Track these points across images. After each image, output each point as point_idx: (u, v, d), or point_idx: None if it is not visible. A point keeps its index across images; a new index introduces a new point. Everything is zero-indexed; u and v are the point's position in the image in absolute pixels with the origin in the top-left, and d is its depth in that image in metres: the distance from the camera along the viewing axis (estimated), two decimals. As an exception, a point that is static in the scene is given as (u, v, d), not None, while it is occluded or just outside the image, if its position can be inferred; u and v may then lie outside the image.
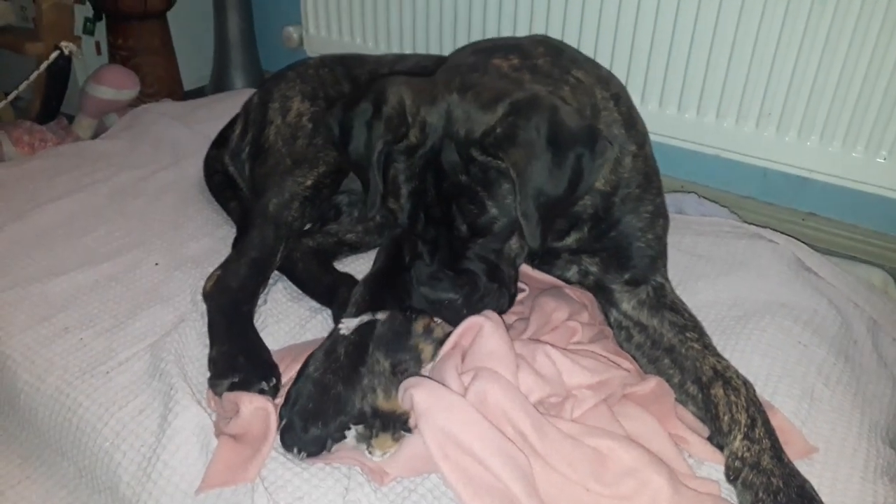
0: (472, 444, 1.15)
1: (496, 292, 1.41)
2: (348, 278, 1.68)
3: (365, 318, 1.38)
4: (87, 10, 2.97)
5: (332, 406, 1.28)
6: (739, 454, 1.27)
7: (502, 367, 1.28)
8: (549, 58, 1.46)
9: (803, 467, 1.27)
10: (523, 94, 1.29)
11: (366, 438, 1.23)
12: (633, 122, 1.55)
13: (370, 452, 1.22)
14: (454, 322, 1.39)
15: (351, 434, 1.26)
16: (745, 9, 2.03)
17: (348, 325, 1.35)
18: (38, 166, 2.25)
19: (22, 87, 2.69)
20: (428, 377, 1.29)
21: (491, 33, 2.49)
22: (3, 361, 1.52)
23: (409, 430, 1.23)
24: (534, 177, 1.24)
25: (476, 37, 2.52)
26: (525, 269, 1.66)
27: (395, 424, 1.23)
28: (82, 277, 1.73)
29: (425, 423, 1.18)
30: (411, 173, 1.31)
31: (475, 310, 1.38)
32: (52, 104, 2.78)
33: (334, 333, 1.41)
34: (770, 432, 1.29)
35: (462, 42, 2.55)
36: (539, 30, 2.38)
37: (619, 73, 2.20)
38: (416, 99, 1.32)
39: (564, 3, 2.31)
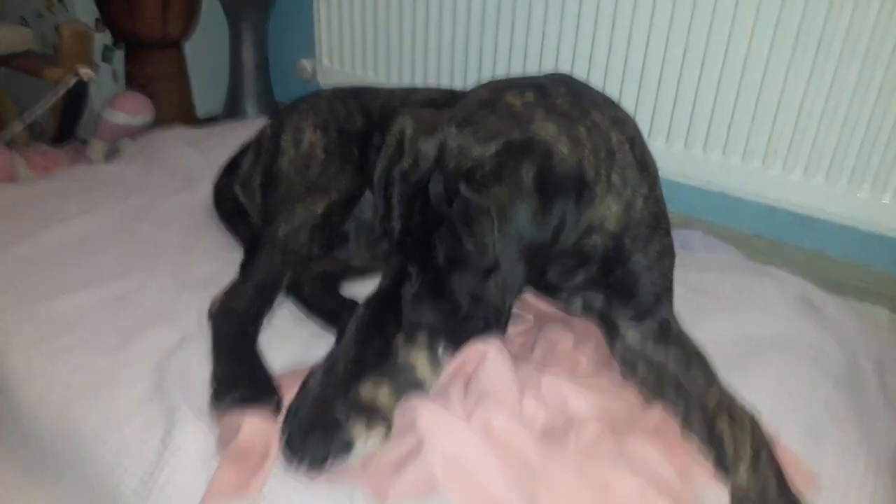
0: (477, 469, 1.15)
1: (479, 320, 1.40)
2: (352, 303, 1.68)
3: None
4: (106, 38, 3.03)
5: (332, 418, 1.29)
6: (744, 486, 1.26)
7: (506, 393, 1.28)
8: (569, 98, 1.46)
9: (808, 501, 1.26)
10: (520, 135, 1.30)
11: None
12: (646, 165, 1.56)
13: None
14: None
15: None
16: (753, 48, 2.07)
17: None
18: (50, 188, 2.27)
19: (39, 110, 2.73)
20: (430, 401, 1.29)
21: (501, 68, 2.54)
22: (4, 379, 1.53)
23: (386, 420, 1.27)
24: (516, 218, 1.25)
25: (486, 70, 2.56)
26: (530, 299, 1.67)
27: (372, 415, 1.28)
28: (89, 297, 1.73)
29: (430, 446, 1.17)
30: (402, 198, 1.35)
31: (456, 334, 1.39)
32: (68, 127, 2.82)
33: (334, 352, 1.43)
34: (775, 465, 1.28)
35: (472, 75, 2.60)
36: (549, 64, 2.42)
37: (627, 108, 2.22)
38: (416, 129, 1.36)
39: (574, 39, 2.36)
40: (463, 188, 1.27)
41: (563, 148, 1.34)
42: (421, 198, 1.32)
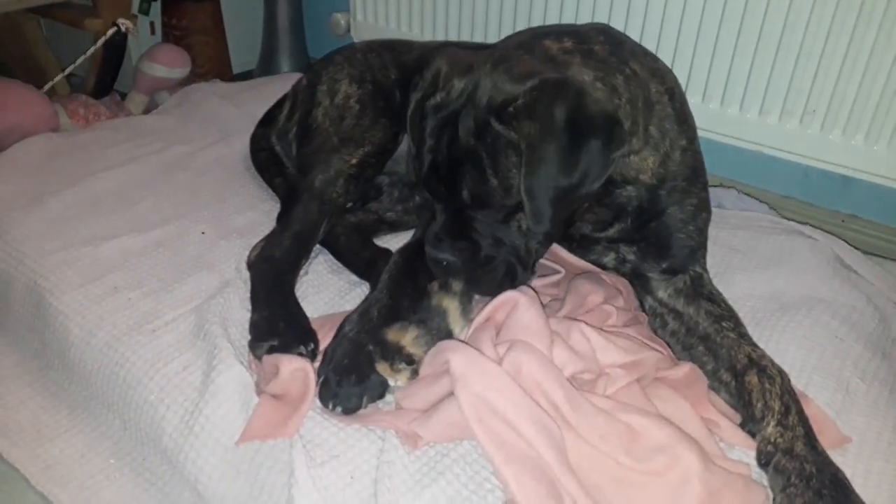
0: (507, 411, 1.17)
1: (501, 264, 1.42)
2: (386, 253, 1.71)
3: None
4: (143, -10, 3.06)
5: (366, 362, 1.33)
6: (772, 439, 1.27)
7: (537, 340, 1.30)
8: (607, 46, 1.45)
9: (836, 458, 1.26)
10: (555, 74, 1.30)
11: None
12: (685, 118, 1.55)
13: None
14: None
15: None
16: (794, 5, 2.02)
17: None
18: (91, 138, 2.32)
19: (79, 61, 2.76)
20: (464, 342, 1.32)
21: (536, 22, 2.51)
22: (55, 317, 1.58)
23: (411, 363, 1.30)
24: (543, 156, 1.24)
25: (521, 25, 2.54)
26: (561, 252, 1.68)
27: (395, 357, 1.31)
28: (131, 242, 1.78)
29: (461, 388, 1.20)
30: (431, 131, 1.36)
31: (477, 277, 1.42)
32: (107, 80, 2.84)
33: (369, 299, 1.46)
34: (804, 420, 1.28)
35: (507, 31, 2.58)
36: (585, 18, 2.39)
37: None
38: (452, 67, 1.38)
39: (612, -6, 2.33)
40: (493, 121, 1.28)
41: (598, 93, 1.34)
42: (450, 131, 1.34)
